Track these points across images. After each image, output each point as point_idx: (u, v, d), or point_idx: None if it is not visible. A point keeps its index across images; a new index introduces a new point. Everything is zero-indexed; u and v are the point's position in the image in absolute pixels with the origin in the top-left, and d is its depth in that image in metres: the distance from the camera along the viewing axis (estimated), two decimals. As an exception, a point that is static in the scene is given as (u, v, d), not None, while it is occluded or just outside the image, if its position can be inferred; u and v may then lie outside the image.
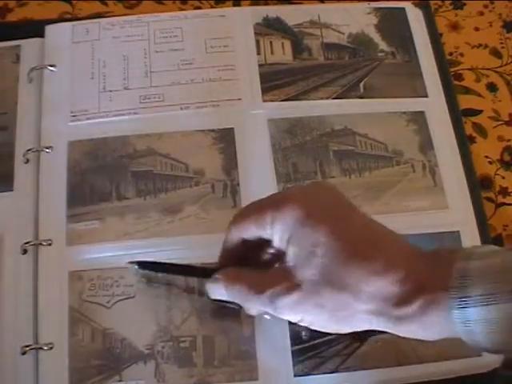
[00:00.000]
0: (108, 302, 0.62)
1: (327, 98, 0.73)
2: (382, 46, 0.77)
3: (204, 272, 0.59)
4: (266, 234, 0.53)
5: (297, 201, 0.52)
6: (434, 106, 0.73)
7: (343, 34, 0.78)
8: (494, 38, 0.82)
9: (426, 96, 0.74)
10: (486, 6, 0.84)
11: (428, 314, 0.47)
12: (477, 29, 0.82)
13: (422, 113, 0.73)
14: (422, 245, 0.61)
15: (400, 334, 0.49)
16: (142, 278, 0.63)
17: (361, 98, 0.74)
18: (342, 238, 0.50)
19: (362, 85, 0.74)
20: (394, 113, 0.73)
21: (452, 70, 0.79)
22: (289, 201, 0.52)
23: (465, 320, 0.45)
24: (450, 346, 0.56)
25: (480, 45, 0.81)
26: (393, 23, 0.79)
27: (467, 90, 0.78)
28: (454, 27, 0.82)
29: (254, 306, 0.54)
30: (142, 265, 0.62)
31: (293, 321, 0.53)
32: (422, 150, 0.71)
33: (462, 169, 0.70)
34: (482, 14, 0.83)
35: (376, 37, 0.78)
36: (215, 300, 0.57)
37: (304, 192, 0.54)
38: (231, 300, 0.55)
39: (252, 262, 0.57)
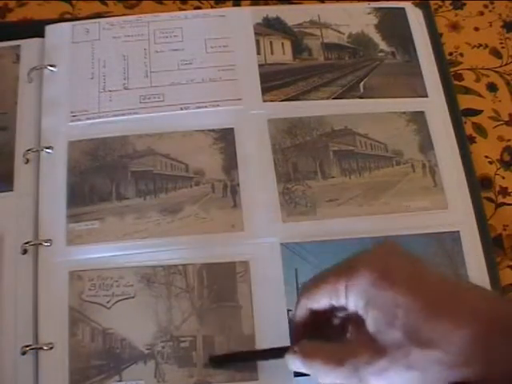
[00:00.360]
0: (108, 302, 0.62)
1: (327, 98, 0.73)
2: (382, 46, 0.77)
3: (279, 352, 0.57)
4: (340, 302, 0.52)
5: (369, 264, 0.50)
6: (434, 106, 0.73)
7: (343, 34, 0.78)
8: (493, 37, 0.82)
9: (426, 96, 0.74)
10: (486, 6, 0.84)
11: None
12: (477, 29, 0.82)
13: (421, 113, 0.73)
14: (422, 245, 0.61)
15: None
16: (141, 278, 0.63)
17: (361, 98, 0.74)
18: (421, 296, 0.48)
19: (361, 85, 0.74)
20: (394, 113, 0.73)
21: (452, 70, 0.79)
22: (361, 266, 0.50)
23: None
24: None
25: (480, 45, 0.81)
26: (393, 23, 0.79)
27: (467, 90, 0.78)
28: (454, 27, 0.82)
29: (335, 379, 0.53)
30: (216, 361, 0.61)
31: None
32: (422, 150, 0.71)
33: (461, 169, 0.70)
34: (482, 14, 0.83)
35: (376, 37, 0.78)
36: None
37: (373, 255, 0.52)
38: (311, 374, 0.54)
39: (323, 328, 0.55)
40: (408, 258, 0.52)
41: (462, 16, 0.83)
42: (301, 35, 0.77)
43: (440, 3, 0.84)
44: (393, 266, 0.50)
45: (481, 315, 0.47)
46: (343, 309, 0.52)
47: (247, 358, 0.61)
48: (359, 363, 0.49)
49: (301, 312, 0.54)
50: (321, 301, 0.53)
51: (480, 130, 0.75)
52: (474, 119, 0.76)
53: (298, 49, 0.76)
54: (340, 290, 0.51)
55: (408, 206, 0.68)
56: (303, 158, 0.70)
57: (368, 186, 0.69)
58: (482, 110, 0.77)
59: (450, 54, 0.80)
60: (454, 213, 0.68)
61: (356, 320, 0.51)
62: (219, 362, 0.60)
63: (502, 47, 0.81)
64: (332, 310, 0.54)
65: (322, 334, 0.55)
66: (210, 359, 0.61)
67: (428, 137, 0.71)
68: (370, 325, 0.49)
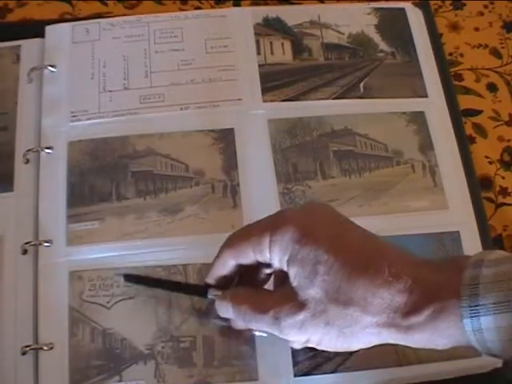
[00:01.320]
0: (108, 302, 0.62)
1: (327, 99, 0.73)
2: (382, 46, 0.77)
3: (196, 290, 0.59)
4: (264, 257, 0.53)
5: (292, 222, 0.51)
6: (434, 106, 0.73)
7: (343, 34, 0.78)
8: (493, 38, 0.82)
9: (426, 96, 0.74)
10: (485, 6, 0.84)
11: (439, 322, 0.47)
12: (477, 29, 0.82)
13: (421, 113, 0.73)
14: (422, 245, 0.61)
15: (410, 345, 0.49)
16: None
17: (361, 98, 0.73)
18: (342, 254, 0.49)
19: (361, 85, 0.74)
20: (394, 113, 0.73)
21: (452, 70, 0.79)
22: (284, 222, 0.52)
23: (477, 328, 0.45)
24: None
25: (480, 45, 0.81)
26: (393, 23, 0.79)
27: (467, 90, 0.78)
28: (454, 27, 0.82)
29: (259, 327, 0.54)
30: (128, 278, 0.62)
31: (299, 342, 0.53)
32: (422, 150, 0.71)
33: (461, 169, 0.70)
34: (481, 14, 0.83)
35: (376, 37, 0.78)
36: (223, 318, 0.57)
37: (298, 212, 0.53)
38: (238, 319, 0.55)
39: (246, 283, 0.57)
40: (334, 216, 0.53)
41: (462, 16, 0.83)
42: (301, 35, 0.77)
43: (440, 3, 0.84)
44: (317, 223, 0.52)
45: (401, 276, 0.48)
46: (268, 265, 0.54)
47: (162, 286, 0.62)
48: (280, 314, 0.51)
49: (224, 262, 0.55)
50: (245, 254, 0.54)
51: (480, 130, 0.75)
52: (474, 119, 0.76)
53: (298, 49, 0.76)
54: (264, 244, 0.52)
55: (408, 206, 0.68)
56: (303, 158, 0.70)
57: (368, 186, 0.69)
58: (482, 110, 0.77)
59: (450, 54, 0.80)
60: (454, 213, 0.68)
61: (280, 275, 0.53)
62: (132, 279, 0.62)
63: (502, 47, 0.81)
64: (258, 266, 0.55)
65: (249, 285, 0.56)
66: (124, 276, 0.62)
67: (428, 137, 0.71)
68: (292, 280, 0.51)
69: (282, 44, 0.76)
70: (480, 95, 0.78)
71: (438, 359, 0.60)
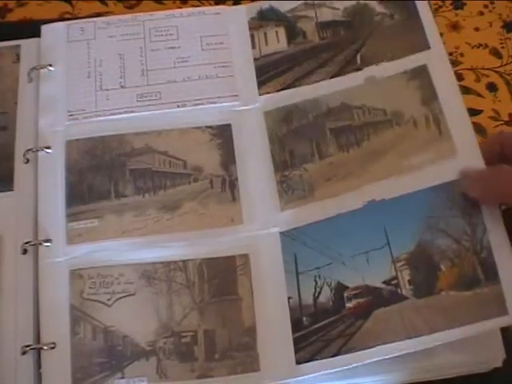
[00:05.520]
0: (109, 300, 0.62)
1: (324, 79, 0.71)
2: (379, 9, 0.74)
3: None
4: None
5: None
6: (437, 56, 0.69)
7: (338, 9, 0.75)
8: (494, 38, 0.82)
9: (428, 48, 0.70)
10: (486, 6, 0.84)
11: None
12: (477, 29, 0.82)
13: (423, 66, 0.69)
14: (431, 199, 0.61)
15: None
16: (142, 275, 0.63)
17: (357, 70, 0.71)
18: None
19: (358, 56, 0.72)
20: (393, 75, 0.70)
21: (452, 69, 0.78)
22: None
23: None
24: (462, 311, 0.56)
25: (480, 45, 0.81)
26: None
27: (467, 90, 0.78)
28: (454, 27, 0.82)
29: None
30: None
31: None
32: (425, 102, 0.67)
33: (467, 116, 0.65)
34: (481, 14, 0.83)
35: (372, 3, 0.74)
36: None
37: None
38: None
39: None
40: None
41: (462, 16, 0.83)
42: (294, 19, 0.76)
43: (440, 3, 0.83)
44: None
45: None
46: None
47: None
48: None
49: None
50: None
51: (480, 129, 0.75)
52: (474, 119, 0.76)
53: (292, 34, 0.75)
54: None
55: (410, 164, 0.65)
56: (299, 143, 0.69)
57: (366, 154, 0.67)
58: (482, 110, 0.77)
59: (450, 54, 0.80)
60: (464, 158, 0.63)
61: None
62: None
63: (502, 47, 0.81)
64: None
65: None
66: None
67: (431, 88, 0.67)
68: None
69: (276, 32, 0.75)
70: (480, 95, 0.78)
71: (450, 326, 0.58)
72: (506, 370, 0.61)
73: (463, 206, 0.61)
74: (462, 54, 0.80)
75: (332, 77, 0.71)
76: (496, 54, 0.80)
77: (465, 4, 0.84)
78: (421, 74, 0.69)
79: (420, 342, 0.58)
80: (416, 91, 0.68)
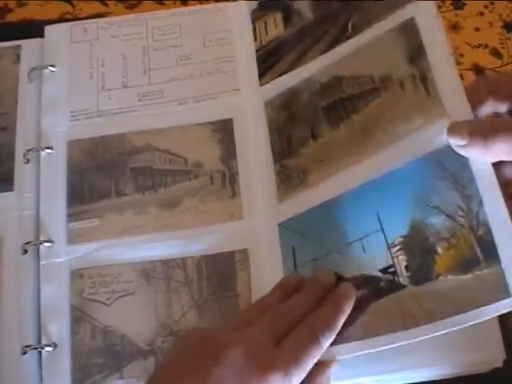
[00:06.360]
0: (108, 299, 0.62)
1: (320, 55, 0.69)
2: None
3: None
4: None
5: None
6: (425, 7, 0.64)
7: None
8: (494, 38, 0.81)
9: None
10: (486, 7, 0.84)
11: None
12: (477, 29, 0.82)
13: (411, 20, 0.63)
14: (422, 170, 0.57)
15: None
16: (140, 274, 0.63)
17: (348, 38, 0.67)
18: None
19: (350, 24, 0.68)
20: (381, 35, 0.65)
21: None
22: None
23: None
24: (462, 296, 0.53)
25: (480, 45, 0.80)
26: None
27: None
28: (454, 27, 0.82)
29: None
30: None
31: None
32: (413, 60, 0.62)
33: (458, 76, 0.58)
34: (482, 14, 0.83)
35: None
36: None
37: None
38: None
39: None
40: None
41: (463, 16, 0.83)
42: (290, 2, 0.74)
43: (440, 3, 0.83)
44: None
45: None
46: None
47: None
48: None
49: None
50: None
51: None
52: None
53: (288, 16, 0.74)
54: None
55: (397, 133, 0.60)
56: (295, 128, 0.67)
57: (356, 130, 0.63)
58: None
59: (450, 54, 0.79)
60: (457, 118, 0.57)
61: None
62: None
63: (502, 47, 0.80)
64: None
65: None
66: None
67: (419, 43, 0.62)
68: None
69: (274, 18, 0.74)
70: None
71: (447, 314, 0.54)
72: (506, 370, 0.60)
73: (455, 175, 0.56)
74: (461, 54, 0.80)
75: (324, 51, 0.69)
76: (496, 54, 0.80)
77: (465, 4, 0.83)
78: (408, 29, 0.63)
79: (419, 332, 0.54)
80: (403, 49, 0.63)
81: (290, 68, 0.70)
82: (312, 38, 0.71)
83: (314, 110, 0.67)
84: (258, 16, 0.75)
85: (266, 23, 0.74)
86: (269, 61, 0.72)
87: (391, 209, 0.58)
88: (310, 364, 0.51)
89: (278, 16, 0.74)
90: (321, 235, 0.61)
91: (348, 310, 0.55)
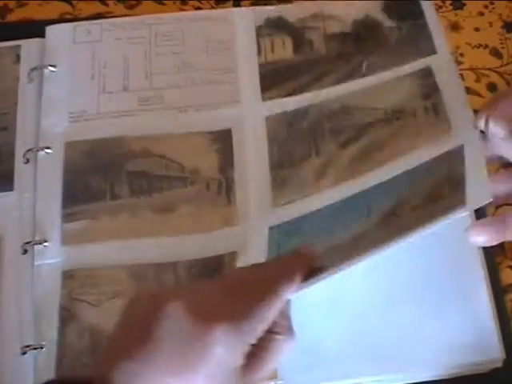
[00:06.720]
0: (97, 301, 0.62)
1: (330, 86, 0.71)
2: (387, 23, 0.74)
3: None
4: None
5: None
6: (442, 59, 0.69)
7: (346, 22, 0.75)
8: (494, 38, 0.81)
9: (435, 53, 0.70)
10: (486, 7, 0.83)
11: None
12: (477, 29, 0.82)
13: (428, 68, 0.68)
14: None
15: None
16: (131, 276, 0.63)
17: (363, 76, 0.71)
18: None
19: (364, 65, 0.71)
20: (397, 78, 0.69)
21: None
22: None
23: None
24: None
25: (480, 45, 0.81)
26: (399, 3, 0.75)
27: (467, 90, 0.77)
28: (454, 27, 0.82)
29: None
30: None
31: None
32: (426, 96, 0.66)
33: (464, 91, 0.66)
34: (482, 14, 0.83)
35: (381, 17, 0.74)
36: None
37: None
38: None
39: None
40: None
41: (462, 16, 0.83)
42: (302, 30, 0.75)
43: (440, 3, 0.83)
44: None
45: None
46: None
47: None
48: None
49: None
50: None
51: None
52: (474, 119, 0.76)
53: (299, 43, 0.74)
54: None
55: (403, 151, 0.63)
56: (299, 143, 0.68)
57: (363, 150, 0.66)
58: (482, 111, 0.77)
59: (450, 54, 0.80)
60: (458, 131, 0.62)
61: None
62: None
63: (503, 47, 0.81)
64: None
65: None
66: None
67: (434, 85, 0.67)
68: None
69: (283, 41, 0.75)
70: (480, 95, 0.78)
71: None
72: (506, 370, 0.61)
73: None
74: (462, 54, 0.80)
75: (335, 83, 0.71)
76: (496, 54, 0.80)
77: (465, 4, 0.83)
78: (425, 75, 0.68)
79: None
80: (418, 89, 0.67)
81: (297, 91, 0.71)
82: (322, 70, 0.72)
83: (321, 130, 0.68)
84: (263, 33, 0.76)
85: (272, 42, 0.75)
86: (273, 78, 0.73)
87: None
88: (264, 314, 0.47)
89: (288, 40, 0.75)
90: (310, 234, 0.61)
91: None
